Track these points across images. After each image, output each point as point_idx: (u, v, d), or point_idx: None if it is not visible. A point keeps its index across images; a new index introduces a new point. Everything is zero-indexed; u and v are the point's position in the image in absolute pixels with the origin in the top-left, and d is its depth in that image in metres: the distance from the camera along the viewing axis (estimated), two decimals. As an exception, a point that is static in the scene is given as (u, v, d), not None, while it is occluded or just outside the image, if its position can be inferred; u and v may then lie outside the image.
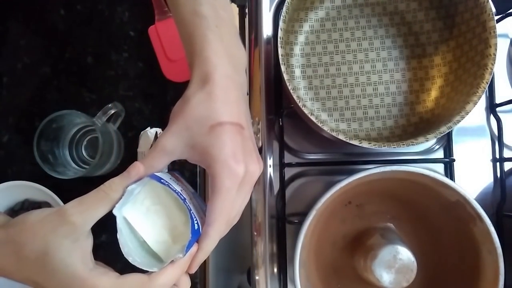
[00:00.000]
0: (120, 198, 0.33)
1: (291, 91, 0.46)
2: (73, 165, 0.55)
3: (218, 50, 0.35)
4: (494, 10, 0.47)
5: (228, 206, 0.34)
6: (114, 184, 0.33)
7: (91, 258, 0.33)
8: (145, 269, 0.33)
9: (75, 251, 0.32)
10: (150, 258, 0.34)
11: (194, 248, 0.34)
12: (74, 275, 0.31)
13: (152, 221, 0.35)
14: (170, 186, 0.34)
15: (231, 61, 0.35)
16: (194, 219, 0.34)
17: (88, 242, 0.33)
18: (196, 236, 0.34)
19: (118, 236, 0.33)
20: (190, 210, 0.34)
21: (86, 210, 0.32)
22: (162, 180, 0.34)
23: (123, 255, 0.32)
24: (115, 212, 0.32)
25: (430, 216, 0.52)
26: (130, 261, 0.32)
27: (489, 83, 0.46)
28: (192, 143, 0.33)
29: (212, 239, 0.34)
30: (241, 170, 0.33)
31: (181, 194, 0.35)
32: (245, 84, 0.38)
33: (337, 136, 0.46)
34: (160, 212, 0.35)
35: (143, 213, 0.35)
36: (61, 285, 0.32)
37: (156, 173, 0.35)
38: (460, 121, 0.46)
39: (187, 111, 0.33)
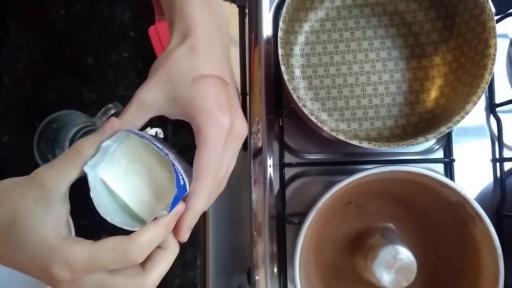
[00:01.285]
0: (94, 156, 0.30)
1: (291, 91, 0.46)
2: (73, 165, 0.55)
3: (199, 5, 0.33)
4: (494, 10, 0.47)
5: (215, 160, 0.31)
6: (86, 141, 0.30)
7: (65, 226, 0.30)
8: (126, 228, 0.30)
9: (47, 217, 0.29)
10: (132, 220, 0.32)
11: (180, 206, 0.31)
12: (44, 243, 0.28)
13: (132, 181, 0.32)
14: (150, 140, 0.32)
15: (213, 18, 0.34)
16: (179, 174, 0.31)
17: (63, 209, 0.30)
18: (183, 193, 0.31)
19: (92, 194, 0.30)
20: (174, 164, 0.31)
21: (59, 172, 0.29)
22: (140, 135, 0.31)
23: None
24: (86, 169, 0.30)
25: (430, 216, 0.52)
26: (108, 220, 0.29)
27: (489, 83, 0.46)
28: (174, 95, 0.32)
29: (200, 195, 0.31)
30: (227, 120, 0.32)
31: (162, 149, 0.32)
32: (228, 45, 0.36)
33: (337, 136, 0.46)
34: (140, 171, 0.32)
35: (121, 173, 0.32)
36: (29, 255, 0.28)
37: (133, 129, 0.32)
38: (460, 121, 0.46)
39: (169, 64, 0.32)
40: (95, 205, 0.29)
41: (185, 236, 0.32)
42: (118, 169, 0.32)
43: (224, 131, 0.32)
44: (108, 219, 0.29)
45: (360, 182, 0.46)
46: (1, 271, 0.51)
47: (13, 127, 0.56)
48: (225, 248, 0.58)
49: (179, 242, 0.32)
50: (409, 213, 0.53)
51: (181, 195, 0.31)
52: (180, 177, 0.31)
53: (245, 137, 0.34)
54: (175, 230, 0.32)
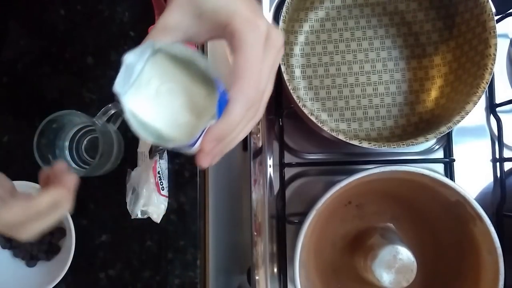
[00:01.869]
0: None
1: (291, 91, 0.46)
2: (73, 165, 0.55)
3: None
4: (494, 10, 0.47)
5: (255, 65, 0.28)
6: None
7: None
8: (172, 146, 0.27)
9: None
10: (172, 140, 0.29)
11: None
12: None
13: (166, 103, 0.29)
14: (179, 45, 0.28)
15: None
16: (217, 79, 0.27)
17: None
18: (225, 99, 0.28)
19: (126, 118, 0.27)
20: (211, 68, 0.28)
21: None
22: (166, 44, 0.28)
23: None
24: (117, 89, 0.27)
25: (430, 216, 0.52)
26: (151, 142, 0.28)
27: (489, 83, 0.46)
28: (200, 11, 0.29)
29: (237, 101, 0.27)
30: (264, 24, 0.28)
31: (196, 51, 0.28)
32: None
33: (337, 136, 0.46)
34: (174, 91, 0.29)
35: (153, 97, 0.29)
36: None
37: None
38: (460, 121, 0.46)
39: None
40: (132, 130, 0.27)
41: (207, 145, 0.28)
42: (148, 93, 0.29)
43: (262, 35, 0.28)
44: (150, 140, 0.28)
45: (360, 182, 0.46)
46: (2, 272, 0.51)
47: (13, 127, 0.56)
48: (225, 248, 0.58)
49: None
50: (409, 213, 0.53)
51: (224, 100, 0.28)
52: (219, 82, 0.28)
53: (282, 51, 0.31)
54: (202, 142, 0.28)
